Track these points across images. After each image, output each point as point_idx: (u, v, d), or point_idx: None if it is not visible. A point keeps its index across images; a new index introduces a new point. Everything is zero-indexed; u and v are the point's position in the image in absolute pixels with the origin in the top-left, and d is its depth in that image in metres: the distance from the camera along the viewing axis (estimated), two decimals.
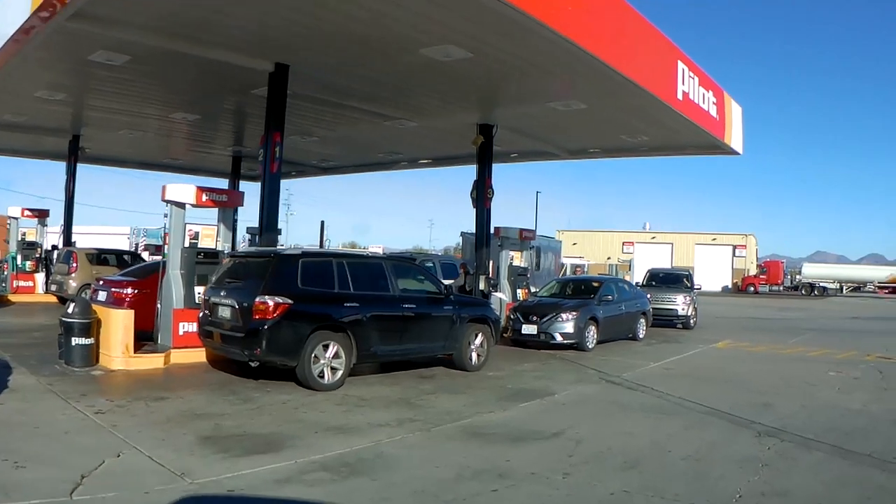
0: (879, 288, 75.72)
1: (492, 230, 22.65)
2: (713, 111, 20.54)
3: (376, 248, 52.85)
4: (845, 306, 53.63)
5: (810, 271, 76.08)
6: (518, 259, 24.72)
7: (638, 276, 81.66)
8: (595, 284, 21.52)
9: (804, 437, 9.68)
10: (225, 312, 12.27)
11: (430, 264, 25.77)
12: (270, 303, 11.51)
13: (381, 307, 13.16)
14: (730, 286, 79.82)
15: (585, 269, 63.17)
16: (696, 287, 28.91)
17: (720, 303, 51.87)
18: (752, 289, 74.41)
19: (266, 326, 11.41)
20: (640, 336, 21.92)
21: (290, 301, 11.63)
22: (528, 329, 19.04)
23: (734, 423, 10.62)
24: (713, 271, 79.31)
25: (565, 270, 42.35)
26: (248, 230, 32.58)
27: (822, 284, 73.91)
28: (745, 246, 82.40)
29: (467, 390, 12.60)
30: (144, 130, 24.78)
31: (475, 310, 15.61)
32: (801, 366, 17.40)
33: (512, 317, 19.95)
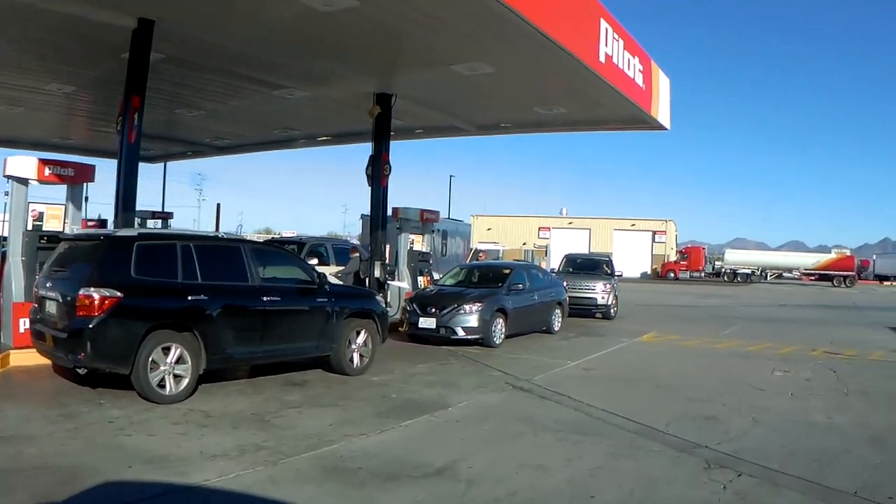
0: (805, 275, 75.84)
1: (389, 211, 21.42)
2: (639, 80, 18.94)
3: (290, 235, 50.33)
4: (771, 293, 53.32)
5: (733, 257, 75.82)
6: (419, 243, 22.89)
7: (555, 262, 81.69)
8: (504, 271, 19.30)
9: (766, 468, 7.61)
10: (52, 308, 10.46)
11: (323, 249, 23.68)
12: (96, 296, 9.59)
13: (237, 300, 11.14)
14: (649, 272, 79.30)
15: (500, 255, 61.67)
16: (616, 273, 27.05)
17: (641, 290, 50.71)
18: (672, 275, 73.82)
19: (90, 325, 9.53)
20: (556, 329, 20.02)
21: (119, 294, 9.73)
22: (426, 322, 16.91)
23: (674, 447, 8.47)
24: (632, 257, 78.43)
25: (474, 255, 40.16)
26: (139, 213, 31.03)
27: (744, 271, 73.62)
28: (665, 232, 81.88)
29: (342, 402, 10.56)
30: (25, 106, 23.05)
31: (356, 302, 13.37)
32: (741, 364, 15.54)
33: (408, 308, 17.78)
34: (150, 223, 31.35)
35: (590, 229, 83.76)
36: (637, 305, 32.42)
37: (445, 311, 16.77)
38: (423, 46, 15.36)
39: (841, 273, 70.44)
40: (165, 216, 32.62)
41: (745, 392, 12.04)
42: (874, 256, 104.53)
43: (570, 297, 22.50)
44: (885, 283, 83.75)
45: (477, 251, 33.18)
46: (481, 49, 15.08)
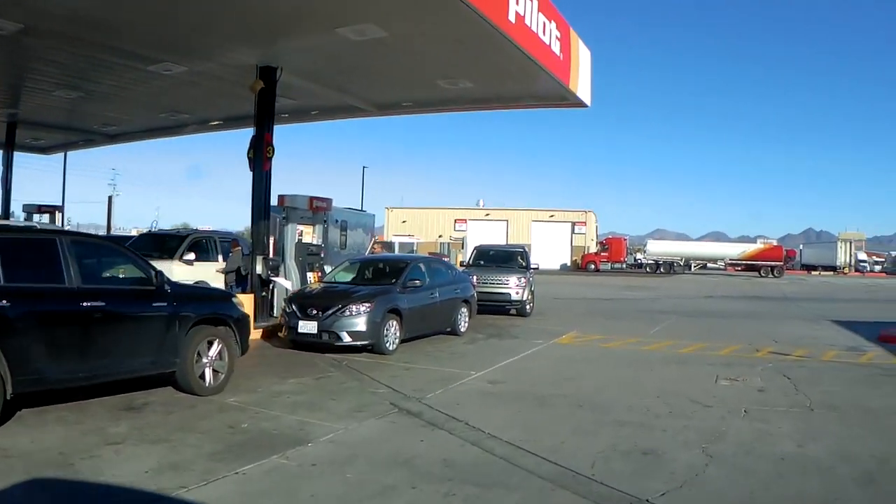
0: (731, 265, 75.55)
1: (273, 199, 19.47)
2: (556, 47, 17.28)
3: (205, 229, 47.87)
4: (697, 284, 52.41)
5: (656, 248, 75.14)
6: (310, 235, 21.23)
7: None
8: (400, 266, 17.01)
9: None
10: None
11: (207, 243, 21.39)
12: None
13: (49, 306, 8.83)
14: (569, 264, 78.06)
15: (415, 248, 59.88)
16: (532, 266, 24.98)
17: (560, 282, 49.22)
18: (592, 267, 72.66)
19: None
20: (462, 330, 18.01)
21: None
22: (307, 327, 14.69)
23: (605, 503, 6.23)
24: (551, 249, 78.30)
25: (372, 248, 37.90)
26: (25, 207, 31.58)
27: (668, 261, 72.77)
28: (585, 223, 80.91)
29: (175, 435, 8.27)
30: None
31: (207, 306, 11.01)
32: (678, 371, 13.50)
33: (287, 310, 15.48)
34: (37, 218, 29.91)
35: (507, 221, 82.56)
36: (556, 300, 30.68)
37: (328, 313, 14.51)
38: (301, 3, 13.90)
39: (769, 263, 70.07)
40: (52, 210, 31.00)
41: (689, 411, 9.91)
42: (801, 246, 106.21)
43: (480, 292, 20.92)
44: (814, 272, 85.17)
45: (374, 243, 30.80)
46: (367, 5, 13.69)
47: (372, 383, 11.59)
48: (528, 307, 23.04)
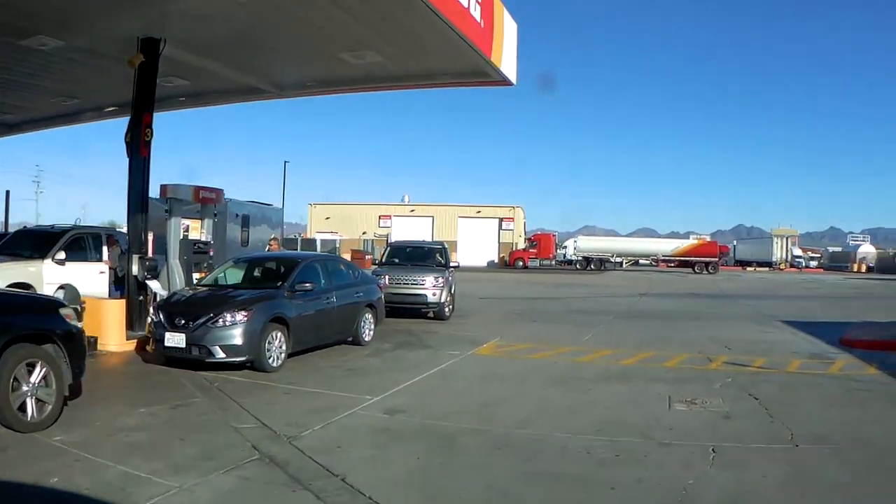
0: (663, 261, 74.55)
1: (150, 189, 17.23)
2: (477, 14, 15.52)
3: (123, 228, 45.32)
4: (630, 281, 51.19)
5: (586, 244, 73.70)
6: (197, 230, 20.15)
7: None
8: (290, 265, 14.70)
9: None
10: None
11: (91, 240, 19.10)
12: None
13: None
14: (497, 261, 76.21)
15: (337, 246, 58.13)
16: (452, 264, 22.98)
17: (487, 280, 47.55)
18: (521, 264, 70.78)
19: None
20: (367, 339, 15.90)
21: None
22: (174, 339, 12.44)
23: None
24: (479, 245, 77.07)
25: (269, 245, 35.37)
26: None
27: (599, 258, 71.34)
28: (513, 219, 79.34)
29: None
30: None
31: (24, 318, 8.77)
32: (622, 392, 11.43)
33: (154, 319, 13.26)
34: None
35: (433, 217, 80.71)
36: (482, 300, 28.99)
37: (198, 322, 12.32)
38: None
39: (703, 259, 69.54)
40: None
41: (642, 453, 7.81)
42: (734, 242, 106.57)
43: (394, 293, 19.69)
44: (748, 268, 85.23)
45: (271, 239, 28.41)
46: None
47: (240, 414, 9.34)
48: (446, 309, 21.05)
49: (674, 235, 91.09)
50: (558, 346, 16.06)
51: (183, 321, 12.41)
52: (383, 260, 23.42)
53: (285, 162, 70.89)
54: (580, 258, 71.72)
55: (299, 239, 61.16)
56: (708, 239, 76.88)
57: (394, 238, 77.86)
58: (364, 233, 76.72)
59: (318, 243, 44.31)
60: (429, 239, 76.06)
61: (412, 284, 20.64)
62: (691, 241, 74.12)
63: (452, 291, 22.05)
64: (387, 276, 20.17)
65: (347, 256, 59.69)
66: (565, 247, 76.26)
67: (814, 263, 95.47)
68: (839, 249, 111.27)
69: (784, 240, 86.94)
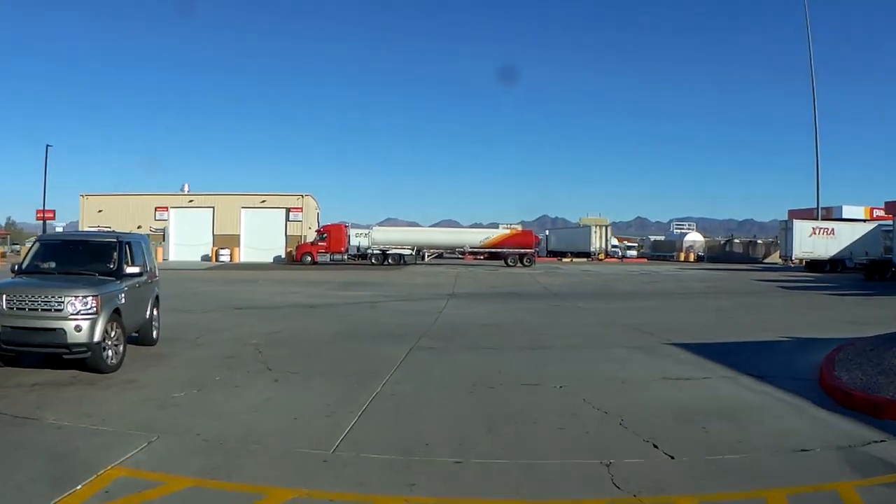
0: (471, 254, 67.02)
1: None
2: None
3: None
4: (432, 278, 42.99)
5: (382, 236, 64.16)
6: None
7: (175, 248, 68.70)
8: None
9: None
10: None
11: None
12: None
13: None
14: (284, 256, 66.20)
15: None
16: (132, 271, 13.23)
17: (264, 279, 38.46)
18: (309, 259, 61.56)
19: None
20: None
21: None
22: None
23: None
24: (265, 239, 67.73)
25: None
26: None
27: (397, 251, 62.51)
28: (301, 208, 69.09)
29: None
30: None
31: None
32: None
33: None
34: None
35: (213, 207, 70.11)
36: (236, 311, 21.35)
37: None
38: None
39: (517, 250, 62.00)
40: None
41: None
42: (546, 232, 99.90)
43: (12, 328, 11.10)
44: (564, 259, 79.10)
45: None
46: None
47: None
48: (109, 353, 11.46)
49: (477, 227, 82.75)
50: (310, 439, 7.46)
51: None
52: (24, 266, 13.64)
53: (48, 146, 64.69)
54: (376, 252, 62.96)
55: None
56: (520, 228, 68.84)
57: (172, 233, 68.63)
58: (139, 227, 65.12)
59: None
60: (209, 233, 68.41)
61: (44, 308, 11.18)
62: (502, 231, 65.75)
63: (152, 313, 13.92)
64: (3, 296, 10.93)
65: None
66: (364, 234, 65.54)
67: (632, 253, 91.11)
68: (662, 238, 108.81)
69: (603, 229, 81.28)
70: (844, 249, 57.33)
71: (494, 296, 30.20)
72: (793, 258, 58.63)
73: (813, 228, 57.84)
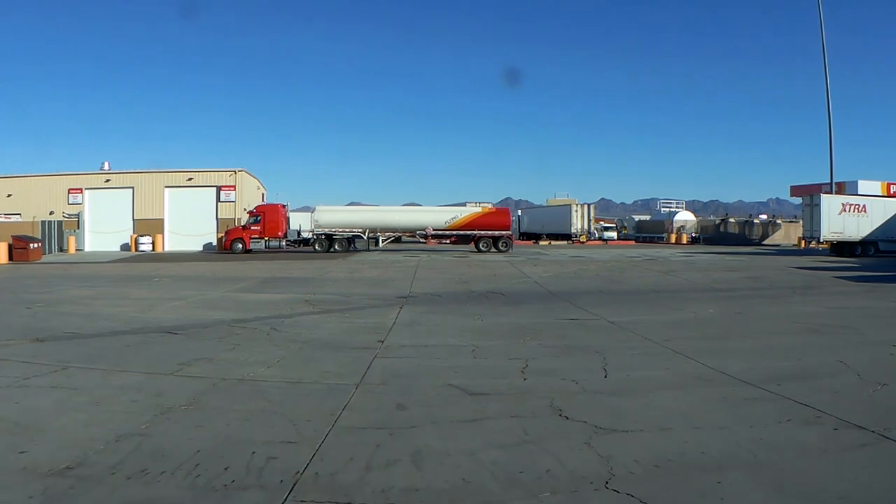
0: (435, 237, 55.03)
1: None
2: None
3: None
4: (383, 268, 32.62)
5: (328, 217, 53.53)
6: None
7: (93, 237, 57.83)
8: None
9: None
10: None
11: None
12: None
13: None
14: (215, 244, 56.98)
15: None
16: None
17: (157, 276, 28.98)
18: (241, 246, 51.43)
19: None
20: None
21: None
22: None
23: None
24: (194, 223, 57.76)
25: None
26: None
27: (346, 235, 52.20)
28: (234, 186, 58.81)
29: None
30: None
31: None
32: None
33: None
34: None
35: (133, 188, 59.65)
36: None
37: None
38: None
39: (490, 233, 52.39)
40: None
41: None
42: (519, 212, 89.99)
43: None
44: (541, 242, 71.43)
45: None
46: None
47: None
48: None
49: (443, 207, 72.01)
50: None
51: None
52: None
53: None
54: (320, 236, 52.69)
55: None
56: (492, 206, 58.33)
57: (87, 218, 58.30)
58: (51, 212, 57.52)
59: None
60: (129, 217, 58.51)
61: None
62: (473, 210, 55.01)
63: None
64: None
65: (3, 245, 41.69)
66: (316, 216, 54.27)
67: (611, 235, 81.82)
68: (647, 218, 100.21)
69: (584, 208, 71.78)
70: (877, 230, 48.96)
71: (469, 299, 20.64)
72: (820, 239, 49.58)
73: (843, 205, 49.05)
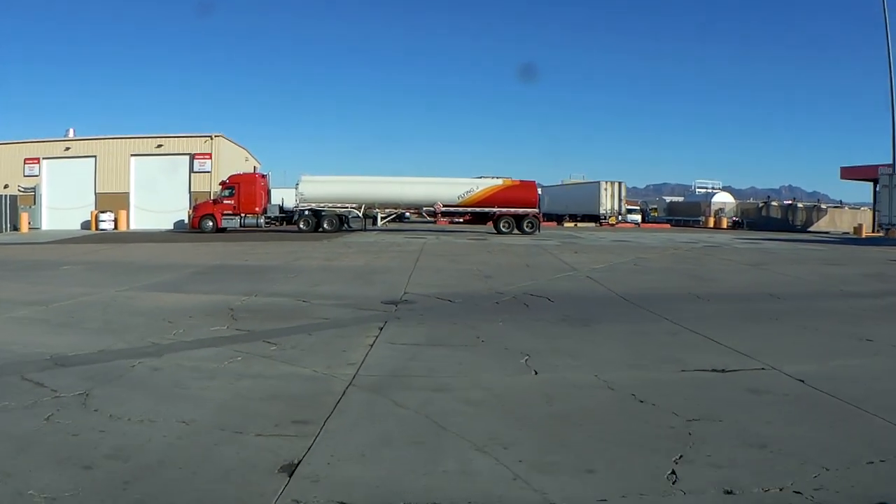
0: (445, 214, 46.86)
1: None
2: None
3: None
4: (374, 254, 24.25)
5: (314, 190, 44.96)
6: None
7: (53, 213, 51.16)
8: None
9: None
10: None
11: None
12: None
13: None
14: (187, 221, 48.29)
15: None
16: None
17: (68, 262, 21.74)
18: (211, 224, 43.35)
19: None
20: None
21: None
22: None
23: None
24: (166, 196, 50.07)
25: None
26: None
27: (336, 212, 44.41)
28: (210, 154, 50.89)
29: None
30: None
31: None
32: None
33: None
34: None
35: (96, 157, 52.30)
36: None
37: None
38: None
39: (514, 210, 44.56)
40: None
41: None
42: (539, 190, 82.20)
43: None
44: (566, 223, 64.85)
45: None
46: None
47: None
48: None
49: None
50: None
51: None
52: None
53: None
54: (305, 212, 44.58)
55: None
56: (515, 181, 49.41)
57: (44, 191, 51.44)
58: (6, 186, 50.90)
59: None
60: (90, 188, 51.41)
61: None
62: (492, 182, 46.89)
63: None
64: None
65: None
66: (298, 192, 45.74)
67: (635, 218, 72.42)
68: (680, 199, 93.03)
69: (615, 186, 64.00)
70: None
71: (499, 309, 12.79)
72: None
73: None
